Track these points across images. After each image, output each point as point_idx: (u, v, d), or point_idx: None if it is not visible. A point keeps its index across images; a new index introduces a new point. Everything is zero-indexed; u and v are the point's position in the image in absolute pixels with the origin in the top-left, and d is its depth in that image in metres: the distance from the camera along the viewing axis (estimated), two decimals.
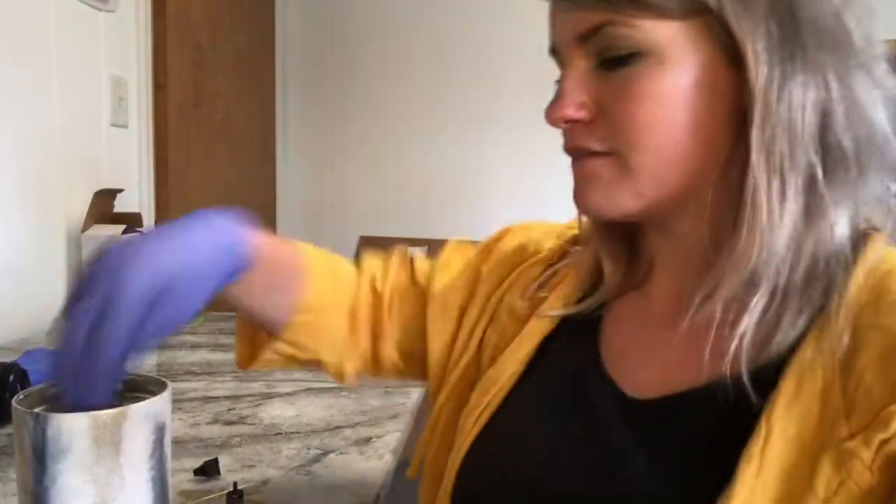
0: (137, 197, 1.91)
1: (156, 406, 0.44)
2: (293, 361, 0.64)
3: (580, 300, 0.56)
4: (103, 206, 1.66)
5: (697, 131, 0.45)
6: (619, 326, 0.54)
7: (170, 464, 0.46)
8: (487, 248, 0.66)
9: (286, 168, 2.87)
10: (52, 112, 1.57)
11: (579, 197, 0.49)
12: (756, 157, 0.43)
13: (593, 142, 0.47)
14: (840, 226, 0.44)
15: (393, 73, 2.76)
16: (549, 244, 0.62)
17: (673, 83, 0.44)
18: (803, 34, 0.43)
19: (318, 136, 2.90)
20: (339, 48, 2.82)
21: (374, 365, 0.68)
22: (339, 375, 0.66)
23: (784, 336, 0.43)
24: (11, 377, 0.98)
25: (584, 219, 0.57)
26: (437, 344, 0.63)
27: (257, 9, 2.64)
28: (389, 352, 0.67)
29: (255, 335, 0.63)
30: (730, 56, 0.44)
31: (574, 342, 0.55)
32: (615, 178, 0.47)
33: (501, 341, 0.58)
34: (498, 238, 0.67)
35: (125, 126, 1.86)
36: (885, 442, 0.38)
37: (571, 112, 0.47)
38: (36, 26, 1.53)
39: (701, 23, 0.43)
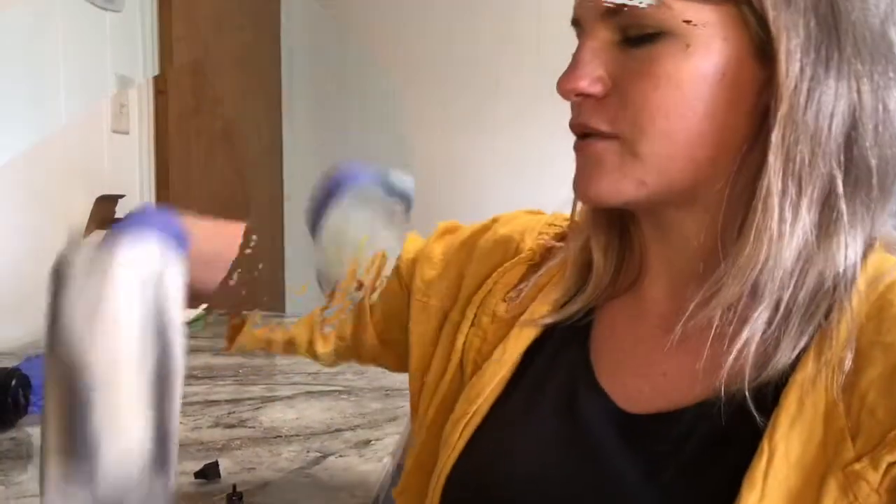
0: (139, 202, 1.92)
1: (147, 256, 0.44)
2: (269, 343, 0.64)
3: (568, 302, 0.53)
4: (105, 212, 1.67)
5: (713, 124, 0.42)
6: (611, 332, 0.52)
7: (172, 324, 0.46)
8: (471, 242, 0.63)
9: (293, 167, 2.87)
10: (58, 114, 1.58)
11: (580, 182, 0.47)
12: (773, 159, 0.41)
13: (602, 121, 0.44)
14: (853, 248, 0.42)
15: (402, 70, 2.75)
16: (530, 242, 0.59)
17: (696, 69, 0.42)
18: (842, 38, 0.40)
19: (326, 134, 2.89)
20: (346, 47, 2.83)
21: (355, 349, 0.68)
22: (312, 354, 0.66)
23: (783, 356, 0.42)
24: (13, 382, 0.99)
25: (578, 208, 0.54)
26: (418, 347, 0.61)
27: (263, 7, 2.65)
28: (370, 338, 0.66)
29: (241, 321, 0.64)
30: (760, 50, 0.41)
31: (563, 349, 0.52)
32: (619, 164, 0.44)
33: (485, 346, 0.55)
34: (481, 231, 0.64)
35: (126, 132, 1.87)
36: (893, 464, 0.37)
37: (585, 85, 0.44)
38: (41, 26, 1.53)
39: (735, 10, 0.41)
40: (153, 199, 1.97)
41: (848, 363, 0.40)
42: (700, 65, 0.42)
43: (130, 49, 1.86)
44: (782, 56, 0.40)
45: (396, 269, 0.65)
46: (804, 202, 0.41)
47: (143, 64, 1.91)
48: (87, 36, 1.69)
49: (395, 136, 2.79)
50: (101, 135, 1.77)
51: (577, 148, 0.47)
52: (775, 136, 0.41)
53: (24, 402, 1.01)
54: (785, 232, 0.41)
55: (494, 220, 0.64)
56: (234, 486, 0.75)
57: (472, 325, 0.57)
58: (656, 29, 0.42)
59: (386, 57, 2.78)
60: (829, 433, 0.39)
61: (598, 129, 0.44)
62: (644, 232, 0.51)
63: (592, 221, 0.52)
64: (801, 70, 0.40)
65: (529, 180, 2.49)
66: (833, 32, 0.40)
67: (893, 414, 0.37)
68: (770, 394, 0.41)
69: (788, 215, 0.41)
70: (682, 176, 0.44)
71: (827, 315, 0.42)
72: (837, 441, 0.38)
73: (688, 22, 0.41)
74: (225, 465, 0.85)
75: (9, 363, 1.18)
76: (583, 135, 0.46)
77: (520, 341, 0.53)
